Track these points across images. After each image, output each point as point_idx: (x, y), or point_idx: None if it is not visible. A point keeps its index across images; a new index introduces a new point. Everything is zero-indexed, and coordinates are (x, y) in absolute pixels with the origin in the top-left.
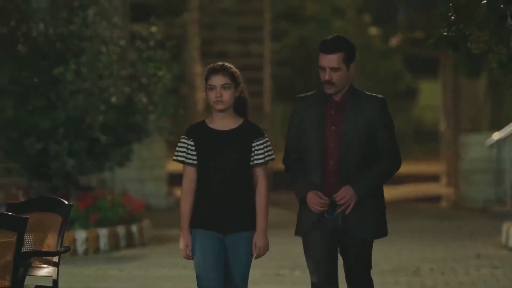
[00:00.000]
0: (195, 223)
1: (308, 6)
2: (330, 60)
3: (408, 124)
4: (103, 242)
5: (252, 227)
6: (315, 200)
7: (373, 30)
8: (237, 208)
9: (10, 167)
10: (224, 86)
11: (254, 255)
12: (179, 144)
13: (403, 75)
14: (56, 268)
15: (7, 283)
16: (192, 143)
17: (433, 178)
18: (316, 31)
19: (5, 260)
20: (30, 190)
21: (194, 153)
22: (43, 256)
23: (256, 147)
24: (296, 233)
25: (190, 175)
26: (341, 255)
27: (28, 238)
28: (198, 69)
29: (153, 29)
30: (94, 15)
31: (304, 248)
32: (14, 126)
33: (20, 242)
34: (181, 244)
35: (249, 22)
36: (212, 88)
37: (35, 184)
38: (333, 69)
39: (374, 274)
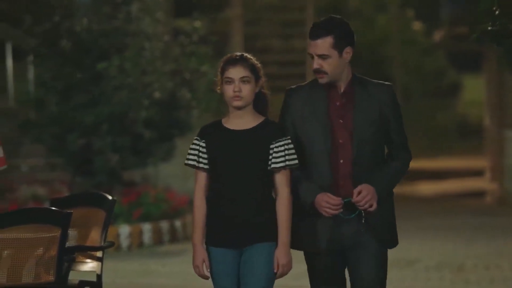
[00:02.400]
0: (208, 240)
1: (351, 1)
2: (316, 46)
3: (452, 119)
4: (146, 237)
5: (272, 238)
6: (326, 203)
7: (417, 26)
8: (255, 220)
9: (54, 163)
10: (243, 80)
11: (276, 273)
12: (191, 146)
13: (447, 70)
14: (100, 263)
15: (51, 278)
16: (204, 144)
17: (477, 173)
18: (359, 26)
19: (49, 255)
20: (74, 186)
21: (206, 156)
22: (87, 251)
23: (275, 149)
24: (295, 246)
25: (202, 181)
26: (351, 274)
27: (72, 233)
28: None
29: (196, 24)
30: (137, 10)
31: (308, 266)
32: (58, 121)
33: (64, 237)
34: (196, 261)
35: (292, 18)
36: (229, 81)
37: (78, 179)
38: (321, 57)
39: (419, 269)
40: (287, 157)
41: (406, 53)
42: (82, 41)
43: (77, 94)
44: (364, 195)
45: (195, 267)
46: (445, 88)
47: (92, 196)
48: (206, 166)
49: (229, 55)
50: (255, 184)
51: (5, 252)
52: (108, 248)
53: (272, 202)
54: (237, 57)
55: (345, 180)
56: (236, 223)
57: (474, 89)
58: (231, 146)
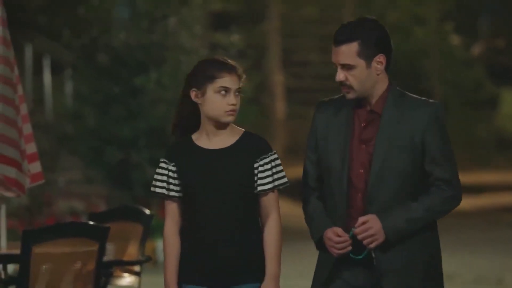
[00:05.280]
0: (182, 277)
1: (389, 14)
2: (339, 54)
3: (490, 133)
4: None
5: (259, 277)
6: (329, 240)
7: (455, 39)
8: (238, 254)
9: (91, 176)
10: (238, 91)
11: None
12: (157, 170)
13: (485, 83)
14: (137, 278)
15: None
16: (174, 168)
17: None
18: (398, 39)
19: (87, 270)
20: (111, 199)
21: (177, 182)
22: (125, 265)
23: (260, 168)
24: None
25: (174, 212)
26: None
27: (109, 247)
28: (278, 78)
29: (234, 38)
30: (175, 24)
31: None
32: (95, 135)
33: (101, 251)
34: None
35: (330, 31)
36: (224, 91)
37: (116, 193)
38: (345, 67)
39: (457, 284)
40: (275, 176)
41: (444, 66)
42: (120, 55)
43: (114, 107)
44: (365, 228)
45: None
46: (483, 101)
47: (129, 211)
48: (178, 194)
49: (216, 58)
50: (239, 212)
51: (44, 266)
52: (145, 263)
53: (258, 230)
54: (233, 65)
55: (360, 217)
56: (216, 259)
57: None
58: (209, 169)
